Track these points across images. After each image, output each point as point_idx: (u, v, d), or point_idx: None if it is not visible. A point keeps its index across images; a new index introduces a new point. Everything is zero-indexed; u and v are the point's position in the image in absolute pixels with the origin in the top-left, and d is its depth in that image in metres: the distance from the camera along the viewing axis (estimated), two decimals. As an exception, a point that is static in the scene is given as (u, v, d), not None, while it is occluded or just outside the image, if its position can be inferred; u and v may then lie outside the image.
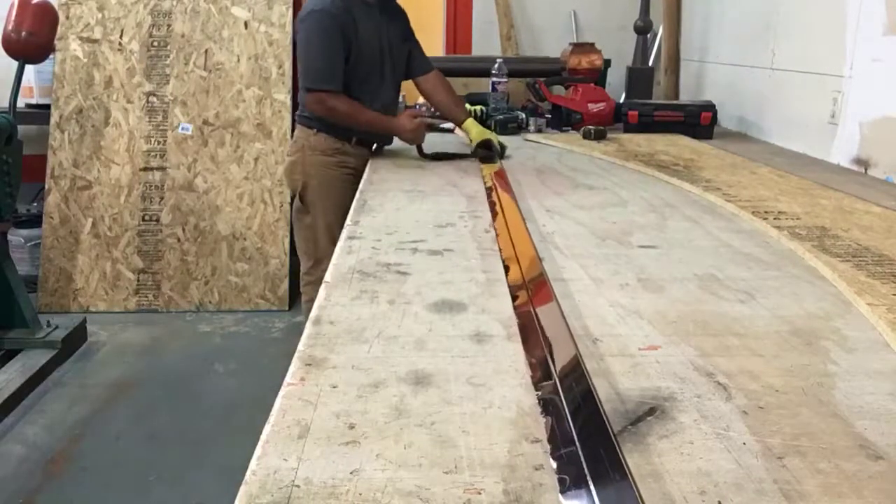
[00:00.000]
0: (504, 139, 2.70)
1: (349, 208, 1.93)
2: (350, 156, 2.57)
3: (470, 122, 2.67)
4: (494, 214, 1.80)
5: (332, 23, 2.40)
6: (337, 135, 2.54)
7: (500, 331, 1.13)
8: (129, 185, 3.77)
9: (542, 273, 1.36)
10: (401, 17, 2.67)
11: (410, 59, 2.69)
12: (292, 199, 2.69)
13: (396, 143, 2.67)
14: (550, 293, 1.25)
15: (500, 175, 2.23)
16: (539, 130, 3.14)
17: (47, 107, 3.81)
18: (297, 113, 2.65)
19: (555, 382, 0.94)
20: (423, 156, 2.56)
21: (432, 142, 2.77)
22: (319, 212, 2.56)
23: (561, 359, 1.01)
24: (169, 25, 3.83)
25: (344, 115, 2.48)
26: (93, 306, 3.71)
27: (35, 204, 4.05)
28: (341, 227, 1.78)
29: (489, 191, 2.04)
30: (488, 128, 2.78)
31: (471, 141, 2.58)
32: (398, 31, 2.62)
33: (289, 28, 3.81)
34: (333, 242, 2.01)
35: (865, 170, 2.46)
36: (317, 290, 1.30)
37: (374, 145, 2.66)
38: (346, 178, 2.55)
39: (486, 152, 2.52)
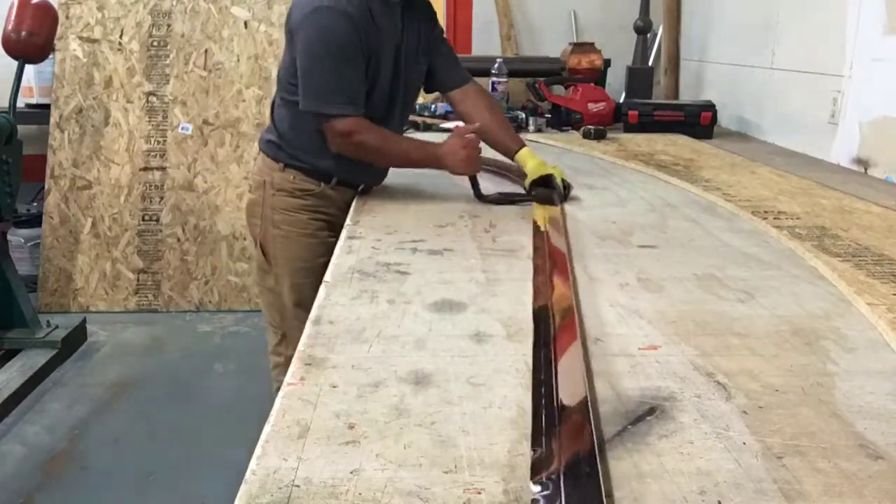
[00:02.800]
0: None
1: (323, 269, 1.46)
2: (326, 200, 1.96)
3: (526, 153, 2.01)
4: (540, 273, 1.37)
5: (348, 26, 1.77)
6: (310, 173, 1.94)
7: (499, 330, 1.13)
8: (129, 185, 3.77)
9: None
10: (428, 18, 2.03)
11: (437, 71, 2.08)
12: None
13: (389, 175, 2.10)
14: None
15: (555, 226, 1.65)
16: (539, 130, 3.14)
17: (47, 107, 3.81)
18: (262, 136, 2.04)
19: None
20: (481, 198, 1.94)
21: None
22: (284, 272, 1.96)
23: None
24: (169, 25, 3.83)
25: (375, 151, 1.89)
26: (93, 306, 3.71)
27: (35, 204, 4.05)
28: (312, 293, 1.34)
29: (539, 240, 1.58)
30: None
31: (526, 176, 1.99)
32: (420, 41, 2.00)
33: (289, 28, 3.81)
34: (303, 309, 1.67)
35: (865, 169, 2.46)
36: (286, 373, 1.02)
37: (361, 185, 2.04)
38: (320, 228, 1.96)
39: (545, 191, 1.93)
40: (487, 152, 2.06)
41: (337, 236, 1.71)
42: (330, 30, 1.79)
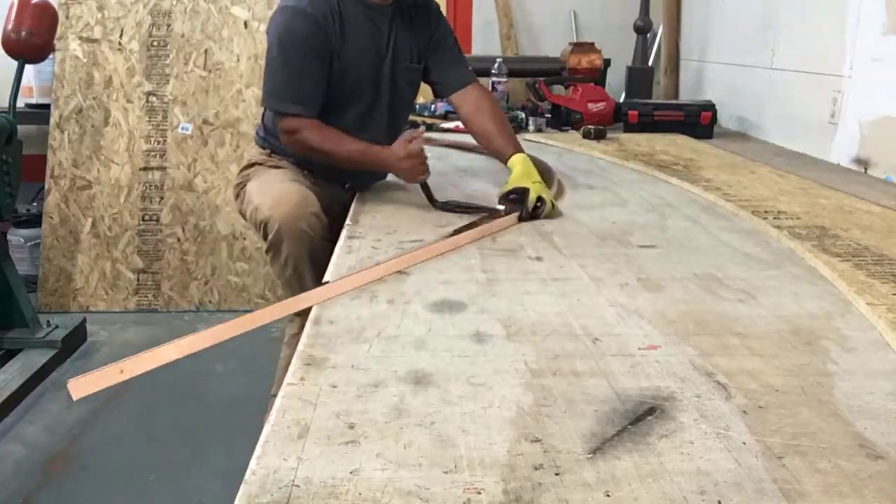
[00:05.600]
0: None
1: (299, 199, 1.81)
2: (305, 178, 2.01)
3: (517, 160, 1.86)
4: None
5: (304, 25, 1.80)
6: (294, 161, 2.02)
7: (499, 330, 1.13)
8: (129, 185, 3.77)
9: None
10: (427, 19, 1.99)
11: (435, 74, 2.03)
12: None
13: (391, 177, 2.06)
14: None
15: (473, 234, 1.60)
16: (539, 130, 3.14)
17: (47, 107, 3.80)
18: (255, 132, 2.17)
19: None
20: (433, 202, 1.85)
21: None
22: (257, 199, 1.97)
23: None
24: (169, 25, 3.83)
25: (319, 151, 1.88)
26: (93, 306, 3.71)
27: (35, 204, 4.05)
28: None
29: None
30: None
31: (505, 183, 1.83)
32: (413, 46, 1.97)
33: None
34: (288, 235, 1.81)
35: (865, 169, 2.46)
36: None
37: (347, 184, 2.04)
38: (295, 176, 2.00)
39: (514, 205, 1.75)
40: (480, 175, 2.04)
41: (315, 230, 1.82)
42: (286, 28, 1.82)
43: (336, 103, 1.90)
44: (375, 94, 1.94)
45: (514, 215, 1.72)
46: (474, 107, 1.99)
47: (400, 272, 1.38)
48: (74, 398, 1.09)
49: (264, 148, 2.07)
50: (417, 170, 1.83)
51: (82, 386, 1.08)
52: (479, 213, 1.76)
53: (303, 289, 1.86)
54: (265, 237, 1.86)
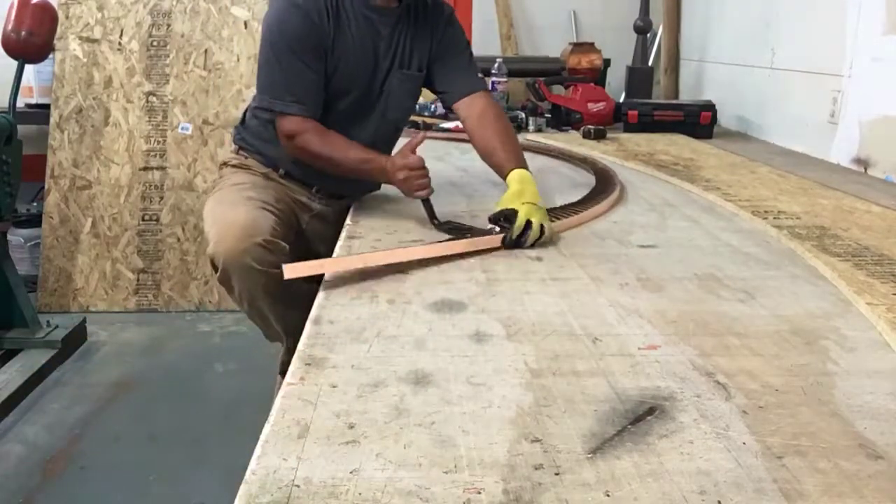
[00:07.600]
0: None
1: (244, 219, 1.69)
2: (274, 182, 1.91)
3: (514, 177, 1.68)
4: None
5: (298, 19, 1.68)
6: (258, 157, 1.92)
7: (499, 330, 1.13)
8: (129, 185, 3.77)
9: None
10: (437, 22, 1.86)
11: (440, 80, 1.88)
12: None
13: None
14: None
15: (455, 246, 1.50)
16: (539, 130, 3.14)
17: (47, 106, 3.80)
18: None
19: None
20: (432, 221, 1.68)
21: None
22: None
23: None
24: (169, 25, 3.83)
25: (319, 157, 1.75)
26: (93, 306, 3.71)
27: (35, 204, 4.05)
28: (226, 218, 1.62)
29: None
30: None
31: (497, 203, 1.62)
32: (419, 50, 1.83)
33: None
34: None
35: (865, 169, 2.46)
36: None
37: (315, 187, 1.93)
38: (251, 188, 1.86)
39: (503, 227, 1.55)
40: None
41: (275, 212, 1.76)
42: (281, 22, 1.71)
43: (328, 115, 1.78)
44: (367, 100, 1.82)
45: (500, 237, 1.53)
46: (478, 118, 1.82)
47: (400, 272, 1.38)
48: (286, 277, 1.33)
49: (234, 144, 2.02)
50: (415, 184, 1.65)
51: (295, 269, 1.34)
52: (484, 236, 1.56)
53: (265, 322, 1.89)
54: (215, 272, 1.73)
